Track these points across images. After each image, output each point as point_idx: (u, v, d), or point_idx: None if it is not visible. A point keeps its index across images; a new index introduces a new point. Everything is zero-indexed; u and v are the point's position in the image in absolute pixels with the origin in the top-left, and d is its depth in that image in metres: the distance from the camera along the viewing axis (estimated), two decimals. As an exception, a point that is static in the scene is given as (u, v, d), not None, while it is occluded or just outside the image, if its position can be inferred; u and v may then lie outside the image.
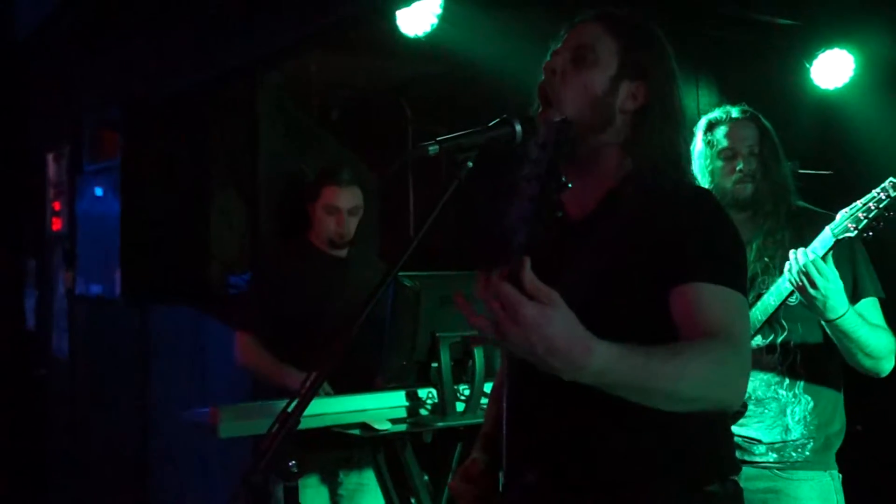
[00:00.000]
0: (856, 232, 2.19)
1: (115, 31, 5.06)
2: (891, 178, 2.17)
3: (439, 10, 3.55)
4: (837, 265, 2.28)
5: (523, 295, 1.24)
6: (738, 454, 2.30)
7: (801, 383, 2.38)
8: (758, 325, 2.34)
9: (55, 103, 6.18)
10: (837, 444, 2.42)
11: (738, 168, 2.43)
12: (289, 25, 3.79)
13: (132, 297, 4.42)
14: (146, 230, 4.40)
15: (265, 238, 4.18)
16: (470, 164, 1.51)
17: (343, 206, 3.33)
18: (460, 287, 2.79)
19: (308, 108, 4.40)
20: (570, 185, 1.42)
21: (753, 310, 2.33)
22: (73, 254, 5.03)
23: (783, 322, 2.37)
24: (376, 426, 2.68)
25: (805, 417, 2.37)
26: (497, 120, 1.57)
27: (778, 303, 2.29)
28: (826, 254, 2.21)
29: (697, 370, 1.38)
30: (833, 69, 3.98)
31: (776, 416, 2.39)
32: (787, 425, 2.38)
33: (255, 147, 4.25)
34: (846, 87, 3.98)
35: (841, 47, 3.93)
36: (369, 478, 3.18)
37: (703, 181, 2.43)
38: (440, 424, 2.75)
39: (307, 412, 1.44)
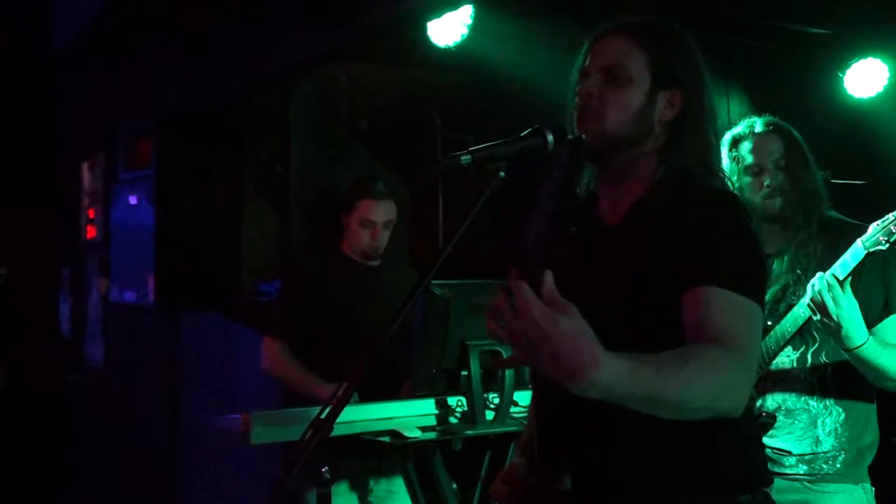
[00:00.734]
0: (887, 244, 2.16)
1: (148, 42, 5.12)
2: None
3: (470, 21, 3.56)
4: (868, 279, 2.26)
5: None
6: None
7: (832, 394, 2.35)
8: (788, 337, 2.32)
9: (90, 113, 6.27)
10: (870, 456, 2.39)
11: (765, 184, 2.40)
12: (320, 36, 3.82)
13: (165, 305, 4.47)
14: (179, 238, 4.45)
15: (296, 246, 4.21)
16: (502, 174, 1.52)
17: (378, 220, 3.35)
18: (491, 296, 2.81)
19: (338, 117, 4.43)
20: (579, 203, 1.42)
21: (784, 321, 2.31)
22: (108, 261, 5.10)
23: (814, 333, 2.35)
24: (406, 434, 2.69)
25: (836, 429, 2.35)
26: (529, 130, 1.58)
27: (808, 314, 2.27)
28: (845, 279, 2.18)
29: (704, 382, 1.37)
30: (867, 78, 3.93)
31: (806, 428, 2.36)
32: (817, 437, 2.35)
33: (287, 156, 4.28)
34: (880, 96, 3.94)
35: (875, 56, 3.90)
36: (399, 485, 3.19)
37: None
38: (469, 432, 2.75)
39: (337, 420, 1.46)
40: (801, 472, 2.36)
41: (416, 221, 4.61)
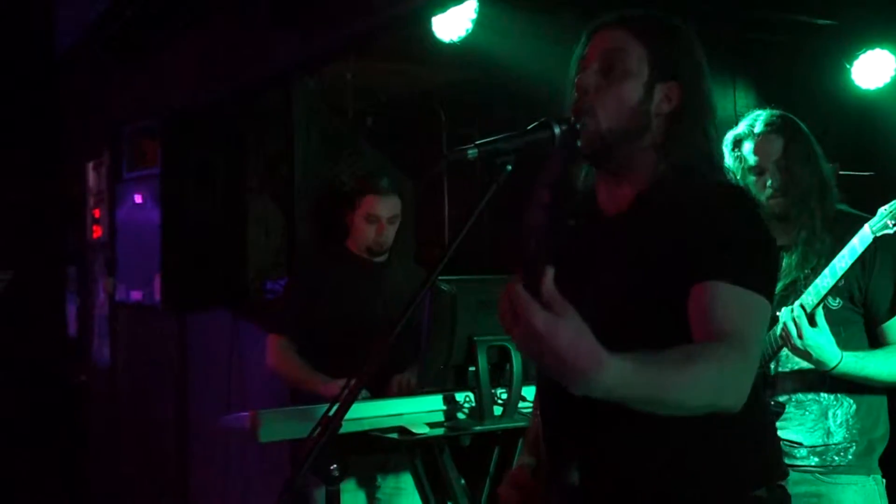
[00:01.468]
0: (895, 228, 2.16)
1: (152, 41, 5.12)
2: None
3: (474, 15, 3.55)
4: (879, 276, 2.27)
5: (539, 303, 1.23)
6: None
7: (844, 386, 2.35)
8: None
9: (95, 113, 6.28)
10: (881, 448, 2.39)
11: (768, 184, 2.40)
12: (324, 32, 3.81)
13: (171, 304, 4.47)
14: (185, 237, 4.46)
15: (301, 244, 4.21)
16: (509, 167, 1.51)
17: (383, 215, 3.34)
18: (497, 291, 2.80)
19: (343, 114, 4.42)
20: (578, 194, 1.41)
21: (786, 310, 2.30)
22: (114, 261, 5.11)
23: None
24: (414, 430, 2.69)
25: (847, 421, 2.34)
26: (536, 123, 1.56)
27: (815, 302, 2.25)
28: (814, 308, 2.22)
29: (707, 381, 1.37)
30: (874, 69, 3.92)
31: (818, 419, 2.36)
32: (828, 428, 2.35)
33: (291, 154, 4.28)
34: (887, 87, 3.93)
35: (882, 47, 3.88)
36: (407, 482, 3.19)
37: None
38: (478, 428, 2.74)
39: (346, 416, 1.45)
40: (813, 463, 2.35)
41: (421, 217, 4.60)
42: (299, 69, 4.14)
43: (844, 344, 2.29)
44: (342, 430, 1.45)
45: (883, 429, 2.40)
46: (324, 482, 2.73)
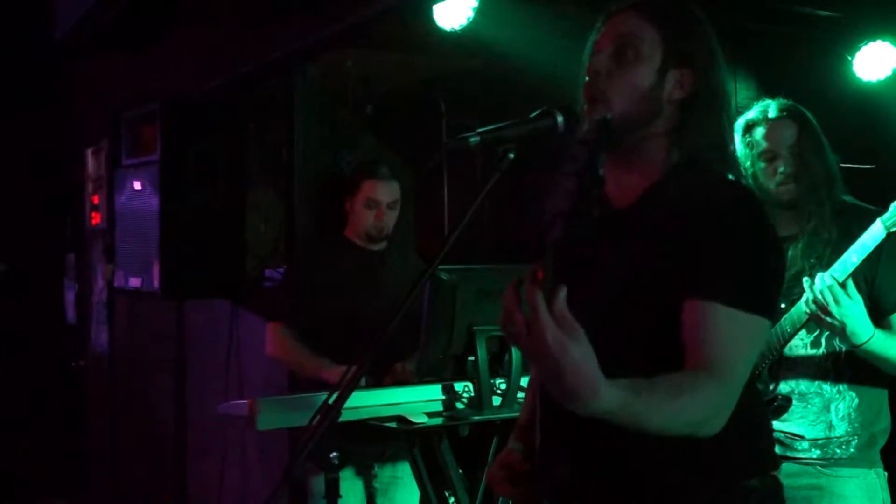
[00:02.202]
0: None
1: (152, 27, 5.10)
2: None
3: (475, 4, 3.54)
4: (887, 266, 2.26)
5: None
6: (780, 450, 2.29)
7: (846, 379, 2.34)
8: (803, 321, 2.30)
9: (94, 99, 6.26)
10: (883, 441, 2.39)
11: (779, 170, 2.38)
12: (325, 20, 3.80)
13: (170, 291, 4.46)
14: (184, 224, 4.44)
15: (301, 232, 4.20)
16: (511, 155, 1.50)
17: (383, 200, 3.34)
18: (497, 280, 2.80)
19: (344, 103, 4.41)
20: (603, 183, 1.40)
21: (798, 305, 2.29)
22: (113, 247, 5.09)
23: None
24: (412, 419, 2.69)
25: (849, 414, 2.34)
26: (538, 111, 1.56)
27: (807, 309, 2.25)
28: (845, 280, 2.18)
29: (689, 414, 1.41)
30: (876, 61, 3.91)
31: (819, 412, 2.36)
32: (830, 421, 2.35)
33: (292, 142, 4.27)
34: (889, 79, 3.91)
35: (884, 39, 3.87)
36: (404, 471, 3.19)
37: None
38: (476, 418, 2.74)
39: (344, 405, 1.45)
40: (814, 456, 2.35)
41: (421, 206, 4.59)
42: (300, 57, 4.12)
43: None
44: (341, 419, 1.45)
45: (885, 422, 2.40)
46: (323, 470, 2.74)
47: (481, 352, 2.74)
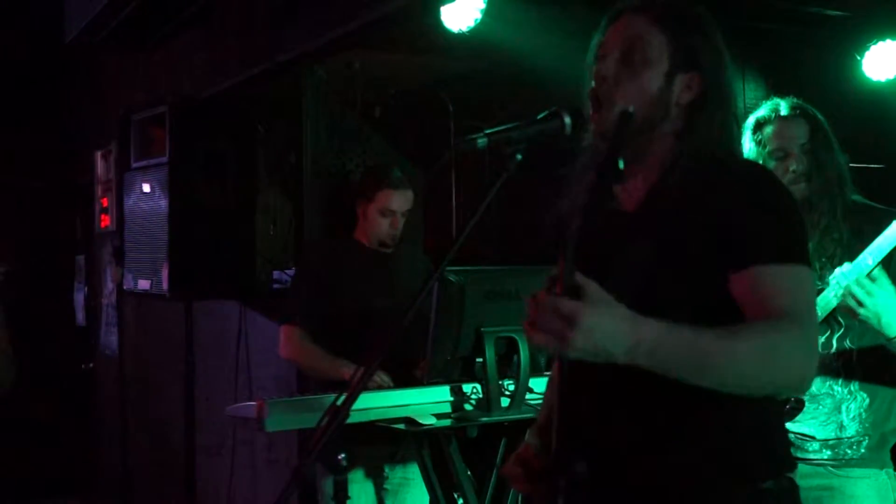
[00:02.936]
0: None
1: (161, 29, 5.12)
2: None
3: (483, 5, 3.54)
4: None
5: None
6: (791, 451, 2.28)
7: (857, 380, 2.33)
8: (822, 316, 2.29)
9: (103, 102, 6.28)
10: (893, 441, 2.38)
11: (791, 169, 2.36)
12: (333, 23, 3.80)
13: (179, 293, 4.47)
14: (193, 226, 4.45)
15: (310, 234, 4.21)
16: (519, 156, 1.50)
17: (398, 209, 3.36)
18: (505, 282, 2.80)
19: (352, 104, 4.42)
20: (624, 176, 1.41)
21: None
22: (122, 250, 5.11)
23: (840, 319, 2.32)
24: (421, 421, 2.69)
25: (860, 414, 2.33)
26: (546, 112, 1.55)
27: (838, 300, 2.24)
28: (871, 270, 2.16)
29: (754, 349, 1.36)
30: (885, 61, 3.90)
31: (830, 413, 2.35)
32: (841, 422, 2.34)
33: (300, 144, 4.27)
34: (898, 79, 3.90)
35: (893, 39, 3.86)
36: (414, 472, 3.19)
37: None
38: (485, 420, 2.74)
39: (353, 407, 1.45)
40: (825, 457, 2.34)
41: (430, 207, 4.60)
42: (309, 59, 4.13)
43: (861, 332, 2.28)
44: (349, 421, 1.45)
45: (895, 422, 2.39)
46: (331, 471, 2.74)
47: (489, 353, 2.74)
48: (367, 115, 4.51)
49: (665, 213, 1.58)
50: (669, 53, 1.61)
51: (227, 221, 4.52)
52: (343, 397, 1.43)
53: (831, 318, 2.33)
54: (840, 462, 2.33)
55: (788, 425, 2.32)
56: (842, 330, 2.34)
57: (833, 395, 2.35)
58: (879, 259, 2.17)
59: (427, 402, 2.77)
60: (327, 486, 2.95)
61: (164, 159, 4.56)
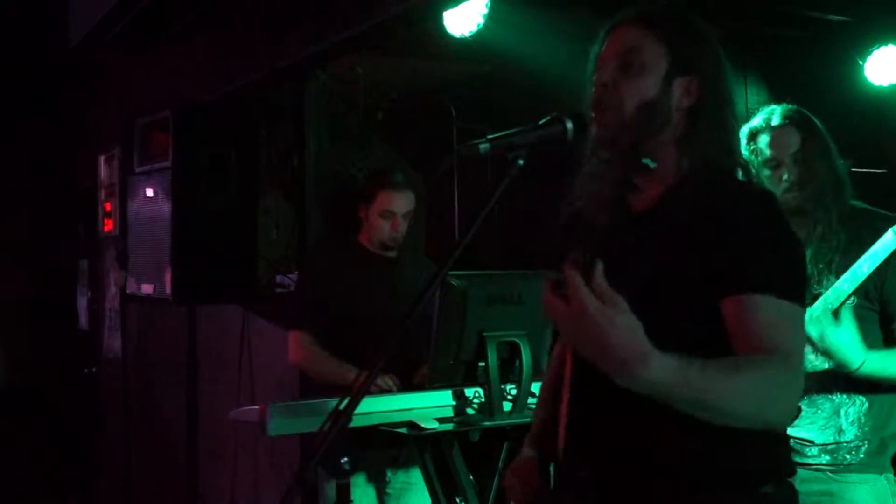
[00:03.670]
0: None
1: (165, 34, 5.13)
2: None
3: (485, 10, 3.55)
4: None
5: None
6: (789, 455, 2.28)
7: (856, 384, 2.33)
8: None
9: (107, 106, 6.29)
10: (893, 446, 2.37)
11: (784, 178, 2.38)
12: (336, 27, 3.81)
13: (182, 297, 4.48)
14: (196, 230, 4.46)
15: (312, 238, 4.21)
16: (521, 162, 1.50)
17: (398, 211, 3.35)
18: (507, 286, 2.81)
19: (354, 108, 4.42)
20: (653, 165, 1.42)
21: (811, 309, 2.29)
22: (125, 254, 5.12)
23: None
24: (423, 425, 2.69)
25: (859, 419, 2.33)
26: (548, 118, 1.56)
27: (836, 305, 2.24)
28: (839, 307, 2.18)
29: (752, 390, 1.39)
30: (887, 66, 3.90)
31: (829, 417, 2.35)
32: (840, 426, 2.34)
33: (303, 148, 4.28)
34: (900, 83, 3.91)
35: (895, 44, 3.86)
36: (416, 477, 3.19)
37: None
38: (487, 424, 2.75)
39: (355, 411, 1.45)
40: (824, 462, 2.34)
41: (432, 211, 4.60)
42: (311, 63, 4.14)
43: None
44: (352, 425, 1.45)
45: (895, 426, 2.39)
46: (334, 476, 2.73)
47: (492, 357, 2.74)
48: (369, 120, 4.52)
49: (672, 224, 1.58)
50: (667, 60, 1.63)
51: (230, 225, 4.53)
52: (346, 401, 1.44)
53: None
54: (839, 467, 2.33)
55: (787, 430, 2.32)
56: None
57: (832, 400, 2.35)
58: (875, 266, 2.18)
59: (429, 406, 2.77)
60: (330, 490, 2.95)
61: (168, 163, 4.57)
